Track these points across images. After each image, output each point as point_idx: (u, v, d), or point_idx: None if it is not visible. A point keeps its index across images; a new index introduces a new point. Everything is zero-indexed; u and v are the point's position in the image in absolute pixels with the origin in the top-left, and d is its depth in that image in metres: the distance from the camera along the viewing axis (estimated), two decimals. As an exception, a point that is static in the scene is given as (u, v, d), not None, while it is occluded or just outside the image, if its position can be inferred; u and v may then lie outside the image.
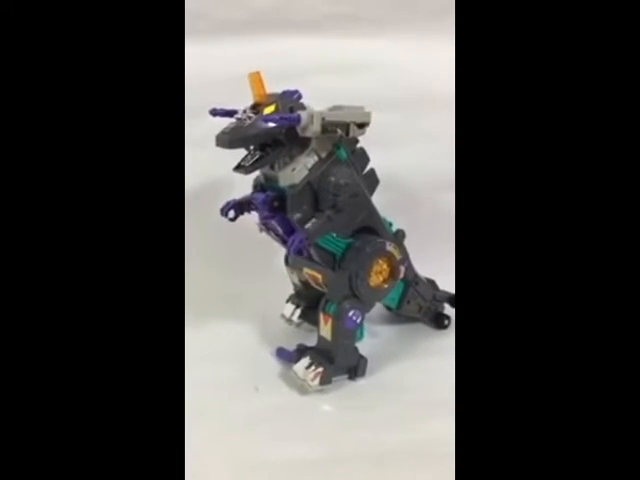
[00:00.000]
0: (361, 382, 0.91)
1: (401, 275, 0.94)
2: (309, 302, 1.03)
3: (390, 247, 0.92)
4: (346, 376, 0.91)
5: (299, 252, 0.87)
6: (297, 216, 0.86)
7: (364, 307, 0.92)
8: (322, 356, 0.90)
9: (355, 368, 0.91)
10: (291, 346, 0.96)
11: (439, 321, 1.03)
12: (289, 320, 1.05)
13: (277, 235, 0.92)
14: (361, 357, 0.92)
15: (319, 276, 0.94)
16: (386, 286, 0.94)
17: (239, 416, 0.84)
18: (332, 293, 0.91)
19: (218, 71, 0.92)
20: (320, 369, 0.88)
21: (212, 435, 0.79)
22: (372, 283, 0.92)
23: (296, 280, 1.03)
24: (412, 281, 0.98)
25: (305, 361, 0.90)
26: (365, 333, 0.95)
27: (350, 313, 0.89)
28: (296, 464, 0.75)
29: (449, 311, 1.04)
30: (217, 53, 1.21)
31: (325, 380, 0.88)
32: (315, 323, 0.96)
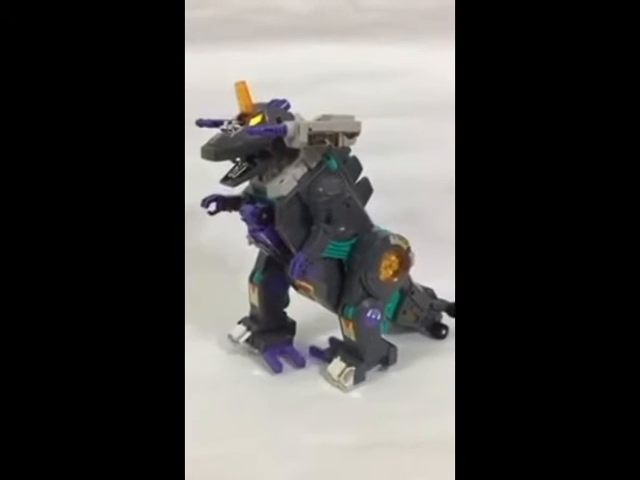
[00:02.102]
0: (390, 375, 0.93)
1: (413, 263, 0.93)
2: (265, 326, 0.98)
3: (395, 240, 0.90)
4: (379, 366, 0.93)
5: (303, 275, 0.85)
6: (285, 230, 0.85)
7: (381, 303, 0.91)
8: (352, 354, 0.91)
9: (386, 358, 0.93)
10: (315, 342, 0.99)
11: (436, 331, 1.01)
12: (235, 342, 0.99)
13: (267, 247, 0.90)
14: (390, 346, 0.93)
15: (310, 287, 0.92)
16: (396, 280, 0.92)
17: (275, 405, 0.87)
18: (348, 297, 0.90)
19: (247, 76, 0.94)
20: (352, 368, 0.89)
21: (251, 423, 0.83)
22: (382, 278, 0.90)
23: (255, 301, 0.99)
24: (408, 291, 0.97)
25: (337, 362, 0.91)
26: (388, 323, 0.95)
27: (369, 313, 0.89)
28: (332, 449, 0.78)
29: (447, 320, 1.02)
30: (250, 59, 1.23)
31: (358, 378, 0.90)
32: (260, 349, 0.97)
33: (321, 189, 0.85)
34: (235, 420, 0.83)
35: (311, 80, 1.23)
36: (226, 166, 0.85)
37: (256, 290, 0.97)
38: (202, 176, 1.09)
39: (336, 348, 0.94)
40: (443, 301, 1.02)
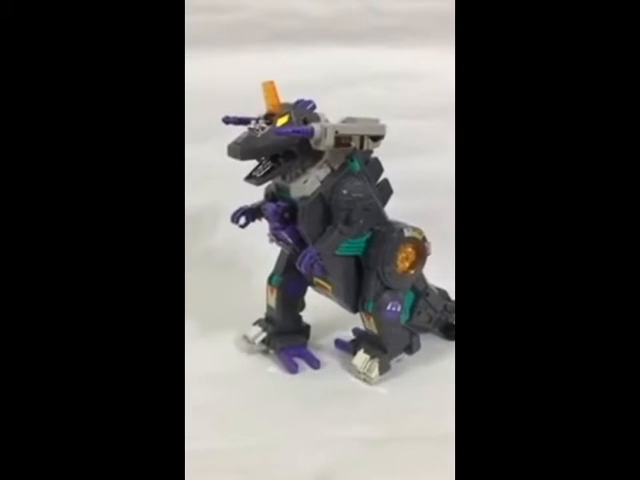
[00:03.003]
0: (409, 372, 0.95)
1: (430, 252, 0.94)
2: (280, 328, 0.99)
3: (409, 232, 0.91)
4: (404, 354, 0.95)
5: (310, 268, 0.86)
6: (307, 230, 0.87)
7: (400, 294, 0.93)
8: (375, 346, 0.92)
9: (409, 346, 0.95)
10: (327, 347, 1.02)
11: (449, 332, 1.03)
12: (251, 342, 1.00)
13: (287, 245, 0.91)
14: (412, 334, 0.95)
15: (329, 287, 0.93)
16: (413, 271, 0.94)
17: (303, 399, 0.89)
18: (367, 292, 0.91)
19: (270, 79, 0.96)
20: (376, 360, 0.91)
21: (273, 416, 0.85)
22: (399, 270, 0.92)
23: (272, 303, 1.00)
24: (423, 292, 0.98)
25: (361, 354, 0.93)
26: (409, 312, 0.97)
27: (389, 306, 0.91)
28: (361, 442, 0.80)
29: (460, 322, 1.04)
30: (271, 62, 1.25)
31: (384, 369, 0.91)
32: (276, 350, 0.98)
33: (345, 191, 0.86)
34: (257, 414, 0.85)
35: (330, 83, 1.25)
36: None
37: (274, 292, 0.99)
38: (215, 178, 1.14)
39: (360, 340, 0.96)
40: (456, 302, 1.03)
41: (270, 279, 1.00)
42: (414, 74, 1.31)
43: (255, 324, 1.02)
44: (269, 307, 1.01)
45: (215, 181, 1.23)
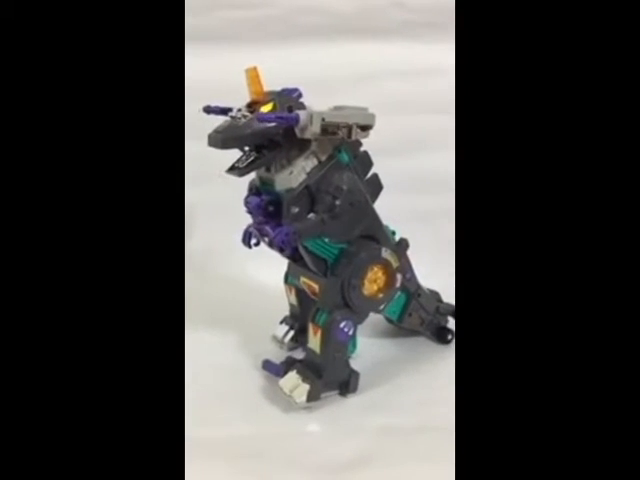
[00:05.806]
0: (422, 374, 0.92)
1: (397, 284, 0.89)
2: (306, 323, 0.95)
3: (386, 254, 0.87)
4: (336, 392, 0.87)
5: (282, 245, 0.82)
6: (293, 212, 0.82)
7: (357, 318, 0.86)
8: (310, 370, 0.85)
9: (346, 383, 0.86)
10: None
11: (441, 335, 0.98)
12: (280, 342, 0.99)
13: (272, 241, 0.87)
14: (352, 371, 0.87)
15: (316, 286, 0.89)
16: (381, 296, 0.88)
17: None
18: (323, 301, 0.86)
19: (294, 75, 0.93)
20: (307, 385, 0.84)
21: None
22: (366, 292, 0.86)
23: (293, 300, 0.99)
24: (414, 293, 0.93)
25: (292, 375, 0.86)
26: (358, 346, 0.90)
27: (342, 325, 0.85)
28: (387, 431, 0.80)
29: (453, 325, 0.99)
30: (294, 57, 1.26)
31: (313, 396, 0.84)
32: (304, 345, 0.93)
33: (333, 181, 0.82)
34: (282, 403, 0.85)
35: (356, 78, 1.25)
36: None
37: (293, 291, 0.98)
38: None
39: (293, 362, 0.90)
40: (449, 304, 0.98)
41: (286, 278, 0.99)
42: (440, 69, 1.27)
43: (282, 322, 1.01)
44: (292, 305, 1.01)
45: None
